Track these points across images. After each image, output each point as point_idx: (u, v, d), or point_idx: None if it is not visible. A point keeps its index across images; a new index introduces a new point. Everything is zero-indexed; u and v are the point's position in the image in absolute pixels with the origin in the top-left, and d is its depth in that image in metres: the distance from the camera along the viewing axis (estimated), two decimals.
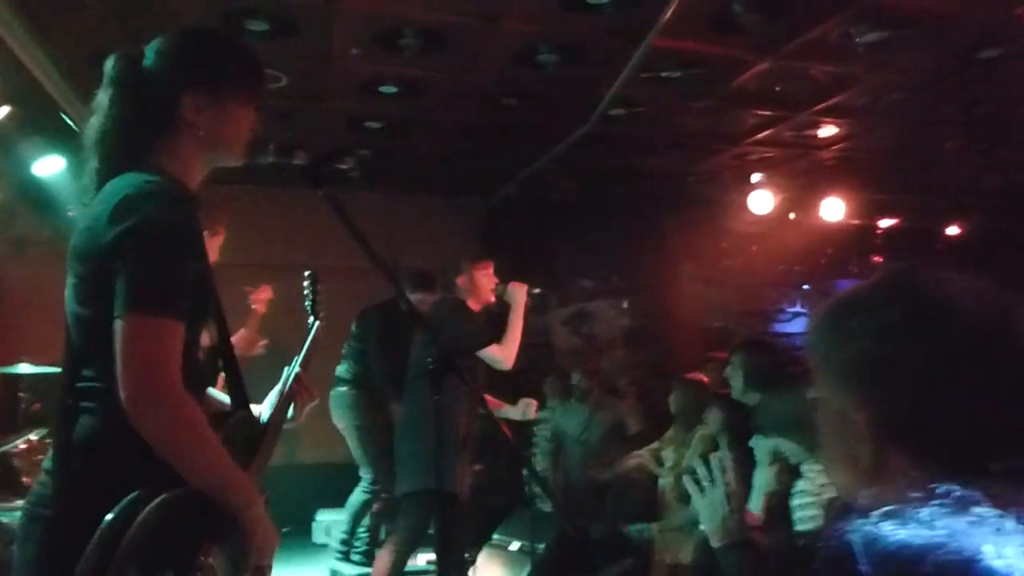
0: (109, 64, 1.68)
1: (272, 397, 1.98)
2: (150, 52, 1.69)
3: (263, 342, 4.02)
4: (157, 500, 1.41)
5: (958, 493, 0.83)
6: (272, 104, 4.75)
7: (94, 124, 1.67)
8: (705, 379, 4.96)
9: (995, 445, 0.88)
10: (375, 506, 5.19)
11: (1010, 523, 0.81)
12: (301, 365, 2.04)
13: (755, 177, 6.46)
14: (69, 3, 3.62)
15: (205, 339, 1.75)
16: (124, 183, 1.58)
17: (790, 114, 5.18)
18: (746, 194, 6.55)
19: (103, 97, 1.66)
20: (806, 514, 3.17)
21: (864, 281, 1.03)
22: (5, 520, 3.71)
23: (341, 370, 5.24)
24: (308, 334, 2.13)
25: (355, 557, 5.14)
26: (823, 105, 4.98)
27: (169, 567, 1.43)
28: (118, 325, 1.47)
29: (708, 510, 1.84)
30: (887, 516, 0.52)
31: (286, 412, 1.95)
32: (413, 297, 5.12)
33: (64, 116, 4.72)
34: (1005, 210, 7.12)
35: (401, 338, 4.96)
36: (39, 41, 3.98)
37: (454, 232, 6.78)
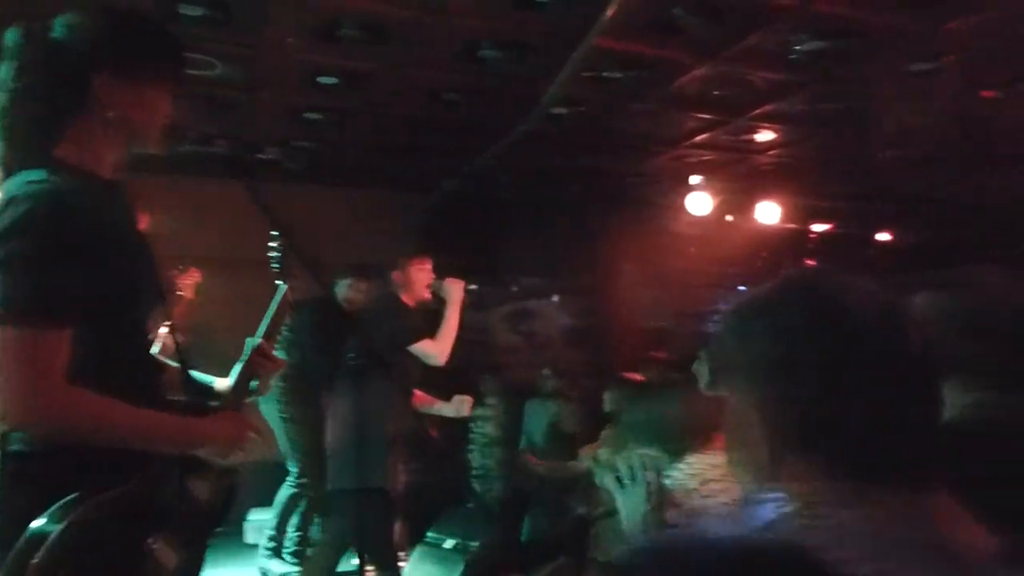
0: (12, 36, 1.59)
1: (235, 370, 1.94)
2: (60, 26, 1.60)
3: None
4: (92, 501, 1.40)
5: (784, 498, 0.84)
6: (206, 92, 4.64)
7: None
8: (641, 378, 5.02)
9: (885, 449, 0.89)
10: (304, 502, 5.11)
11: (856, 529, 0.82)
12: (266, 334, 1.98)
13: (694, 179, 6.55)
14: None
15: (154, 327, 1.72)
16: (8, 188, 1.51)
17: (728, 119, 5.26)
18: (685, 196, 6.64)
19: (4, 72, 1.57)
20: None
21: (766, 284, 1.04)
22: None
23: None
24: (274, 300, 2.05)
25: (285, 555, 5.06)
26: (760, 111, 5.07)
27: (113, 560, 1.42)
28: None
29: (628, 508, 1.85)
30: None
31: (248, 384, 1.92)
32: (350, 286, 5.03)
33: None
34: (934, 218, 7.37)
35: (337, 332, 4.90)
36: None
37: (397, 227, 6.71)
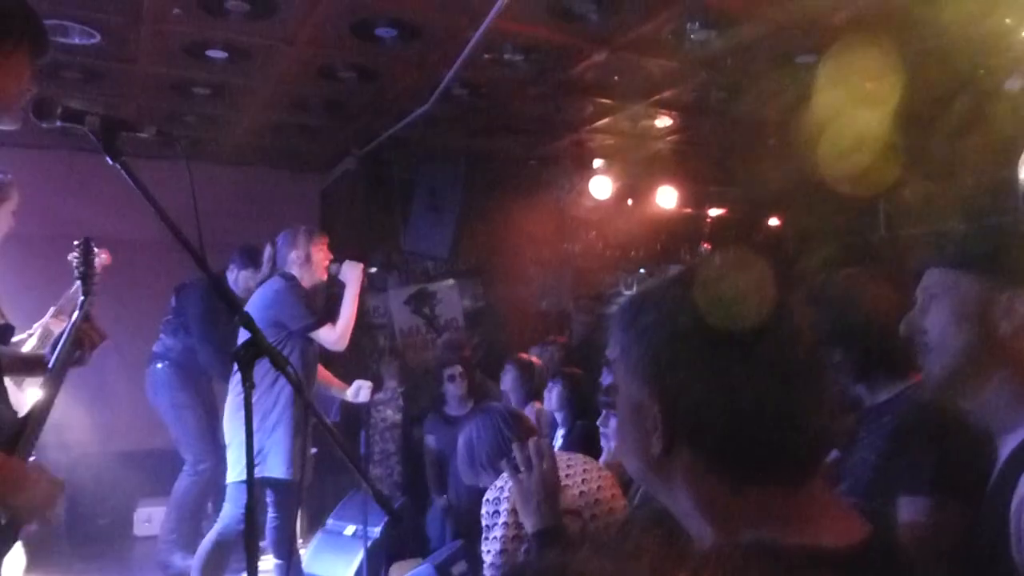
0: None
1: (61, 340, 1.90)
2: None
3: None
4: None
5: None
6: (84, 63, 4.37)
7: None
8: (536, 360, 5.06)
9: (766, 446, 0.91)
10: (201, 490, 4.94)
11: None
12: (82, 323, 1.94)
13: (597, 163, 6.64)
14: None
15: None
16: None
17: (626, 104, 5.34)
18: (586, 180, 6.72)
19: None
20: None
21: (662, 277, 1.06)
22: None
23: (157, 346, 4.94)
24: (77, 310, 1.99)
25: (185, 547, 4.87)
26: (657, 97, 5.17)
27: None
28: None
29: (523, 495, 1.85)
30: None
31: (72, 354, 1.89)
32: (242, 273, 4.88)
33: None
34: (818, 205, 7.69)
35: (227, 316, 4.73)
36: None
37: (291, 207, 6.52)
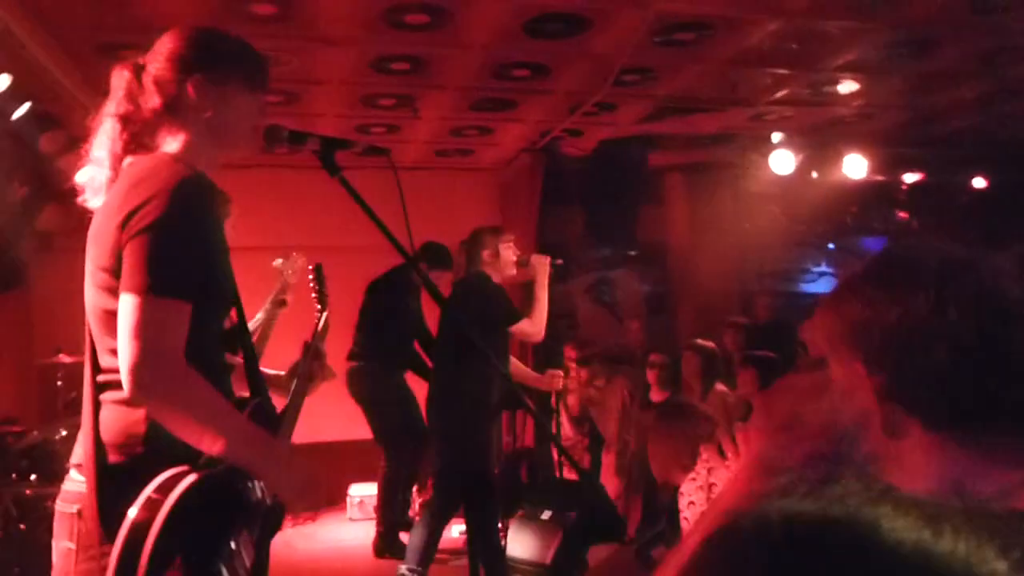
0: (113, 77, 1.73)
1: (294, 369, 2.04)
2: (152, 56, 1.73)
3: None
4: (180, 491, 1.43)
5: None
6: (283, 87, 4.79)
7: (102, 133, 1.71)
8: (714, 346, 4.95)
9: (1000, 410, 0.89)
10: (403, 481, 5.24)
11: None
12: (314, 352, 2.09)
13: (775, 137, 6.38)
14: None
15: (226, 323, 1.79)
16: (133, 168, 1.62)
17: (805, 72, 5.10)
18: (765, 155, 6.48)
19: (113, 105, 1.71)
20: None
21: (885, 251, 1.06)
22: (51, 504, 3.83)
23: (353, 345, 5.27)
24: (317, 325, 2.16)
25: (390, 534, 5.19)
26: (838, 61, 4.90)
27: (197, 554, 1.46)
28: (122, 301, 1.48)
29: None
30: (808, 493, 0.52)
31: (308, 380, 2.01)
32: (432, 275, 5.14)
33: (83, 109, 4.78)
34: None
35: (406, 308, 4.99)
36: (47, 35, 4.02)
37: (471, 206, 6.78)
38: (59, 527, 1.59)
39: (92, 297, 1.62)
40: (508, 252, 4.00)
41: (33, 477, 4.08)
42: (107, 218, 1.57)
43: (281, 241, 4.95)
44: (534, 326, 3.90)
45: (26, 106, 4.65)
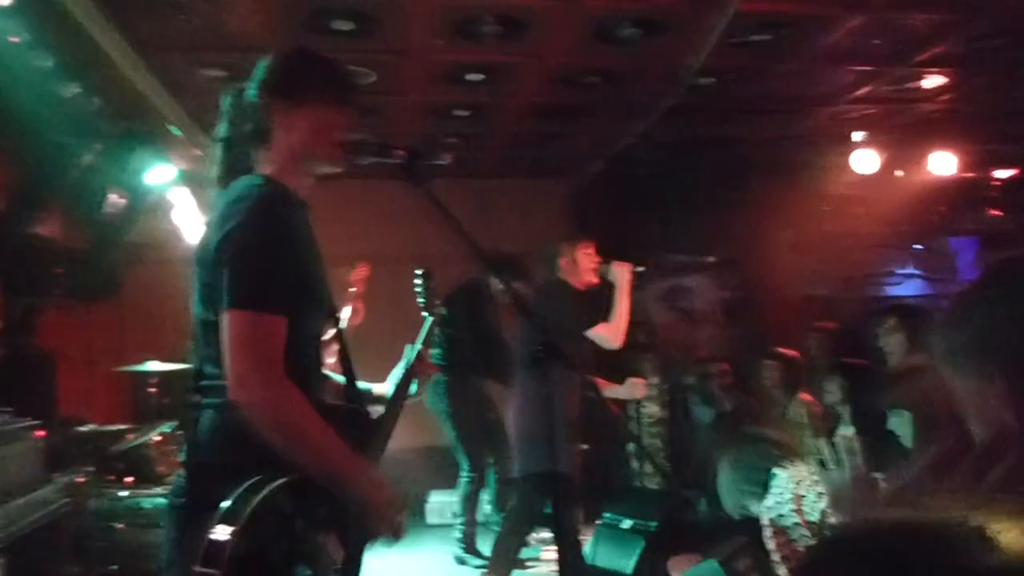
0: (223, 101, 1.85)
1: (395, 374, 2.07)
2: (250, 81, 1.83)
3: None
4: (270, 487, 1.50)
5: None
6: (361, 101, 4.89)
7: (211, 155, 1.85)
8: (797, 353, 4.82)
9: None
10: (486, 490, 5.27)
11: None
12: (424, 343, 2.14)
13: (856, 136, 6.19)
14: (166, 16, 3.81)
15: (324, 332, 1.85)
16: (230, 190, 1.71)
17: (888, 68, 4.94)
18: (846, 155, 6.30)
19: (218, 129, 1.85)
20: None
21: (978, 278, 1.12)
22: (146, 506, 3.99)
23: (433, 356, 5.30)
24: (423, 328, 2.18)
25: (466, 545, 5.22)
26: (924, 55, 4.72)
27: (280, 552, 1.51)
28: (222, 319, 1.58)
29: (835, 496, 1.74)
30: None
31: (408, 387, 2.04)
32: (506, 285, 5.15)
33: (171, 128, 4.99)
34: None
35: (489, 318, 5.02)
36: (142, 57, 4.21)
37: (542, 214, 6.79)
38: (167, 518, 1.70)
39: (196, 308, 1.71)
40: (587, 259, 3.98)
41: (129, 479, 4.25)
42: (208, 238, 1.67)
43: (344, 251, 5.07)
44: (612, 331, 3.87)
45: (121, 125, 4.89)
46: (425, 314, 2.22)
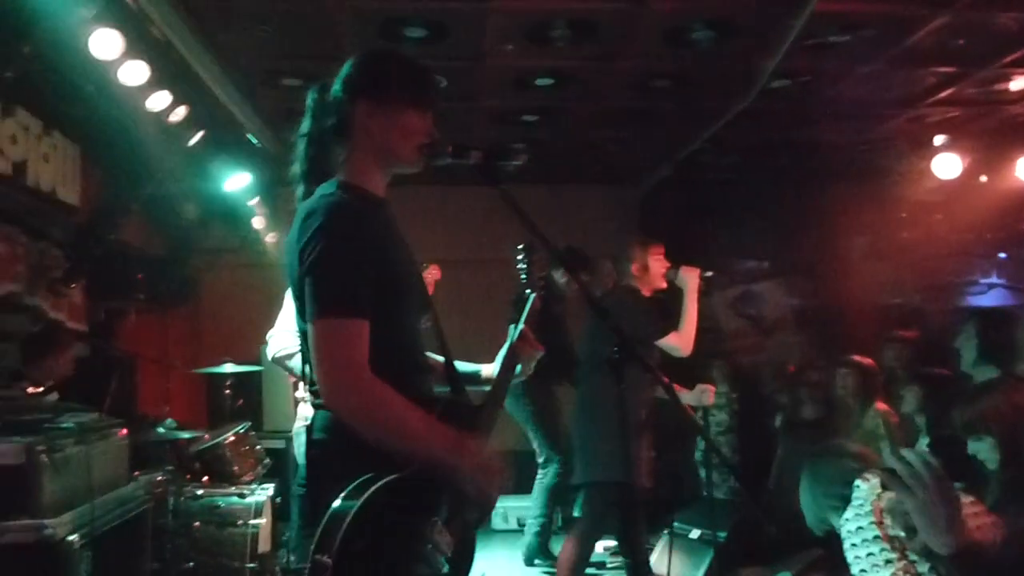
0: (308, 96, 1.87)
1: (501, 354, 2.06)
2: (335, 79, 1.86)
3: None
4: (380, 483, 1.55)
5: None
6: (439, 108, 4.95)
7: (296, 152, 1.87)
8: (872, 362, 4.66)
9: None
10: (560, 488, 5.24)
11: None
12: (526, 322, 2.09)
13: (938, 140, 5.98)
14: (244, 27, 3.91)
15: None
16: (307, 203, 1.75)
17: (974, 70, 4.76)
18: (926, 160, 6.08)
19: (302, 125, 1.87)
20: None
21: None
22: (221, 505, 4.08)
23: None
24: (525, 306, 2.13)
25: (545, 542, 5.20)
26: (1013, 56, 4.54)
27: (399, 542, 1.58)
28: (308, 330, 1.65)
29: (922, 516, 1.60)
30: None
31: (513, 369, 2.03)
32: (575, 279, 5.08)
33: (249, 136, 5.12)
34: None
35: (555, 318, 4.98)
36: (221, 66, 4.33)
37: (609, 220, 6.74)
38: (293, 507, 1.81)
39: (297, 320, 1.77)
40: (657, 264, 3.93)
41: (205, 479, 4.36)
42: (292, 250, 1.72)
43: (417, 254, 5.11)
44: (682, 340, 3.81)
45: (200, 134, 5.03)
46: (528, 291, 2.16)
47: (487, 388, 2.00)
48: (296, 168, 1.86)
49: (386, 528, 1.55)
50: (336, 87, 1.84)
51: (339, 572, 1.48)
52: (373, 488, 1.54)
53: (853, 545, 2.47)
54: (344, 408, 1.62)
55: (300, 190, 1.84)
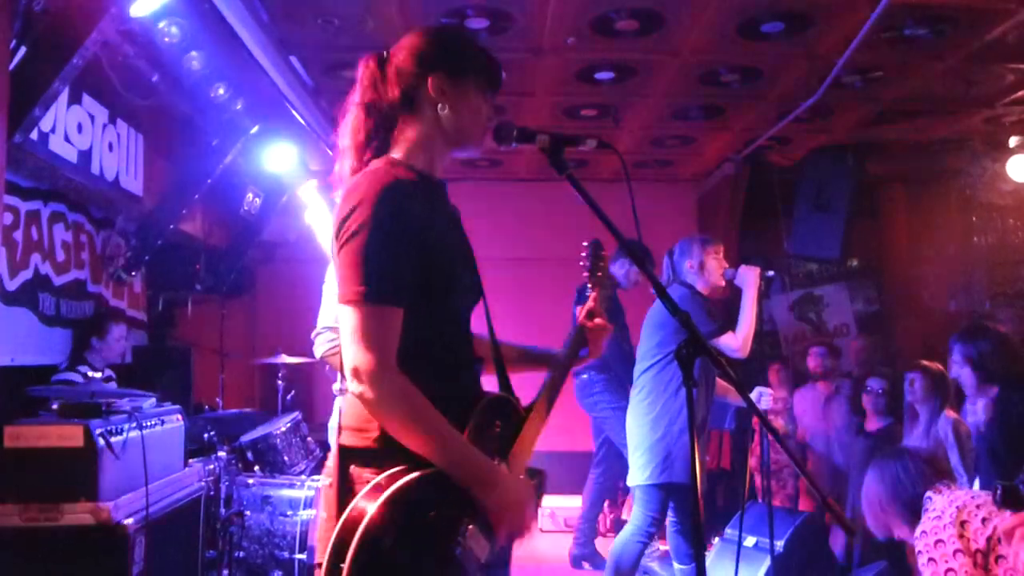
0: (362, 65, 1.77)
1: (569, 337, 2.00)
2: (396, 50, 1.77)
3: None
4: (407, 478, 1.49)
5: None
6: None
7: (347, 123, 1.77)
8: (942, 367, 4.46)
9: None
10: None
11: None
12: (590, 307, 2.04)
13: (1013, 141, 5.74)
14: (307, 18, 3.90)
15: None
16: (354, 178, 1.67)
17: None
18: (1002, 161, 5.84)
19: (355, 95, 1.77)
20: None
21: None
22: (272, 494, 4.09)
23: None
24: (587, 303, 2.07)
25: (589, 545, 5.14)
26: None
27: (429, 537, 1.50)
28: (339, 313, 1.58)
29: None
30: None
31: (579, 350, 1.97)
32: (632, 269, 4.96)
33: (308, 128, 5.14)
34: None
35: (622, 315, 4.89)
36: (283, 57, 4.34)
37: (668, 217, 6.61)
38: (319, 498, 1.73)
39: (335, 304, 1.70)
40: (715, 262, 3.83)
41: (256, 468, 4.38)
42: (331, 227, 1.65)
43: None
44: (739, 341, 3.69)
45: (259, 126, 5.08)
46: (591, 284, 2.09)
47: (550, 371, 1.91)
48: (345, 140, 1.75)
49: (411, 528, 1.47)
50: (402, 57, 1.74)
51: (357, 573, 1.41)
52: (399, 483, 1.47)
53: (931, 560, 2.36)
54: (365, 400, 1.54)
55: (347, 164, 1.74)
